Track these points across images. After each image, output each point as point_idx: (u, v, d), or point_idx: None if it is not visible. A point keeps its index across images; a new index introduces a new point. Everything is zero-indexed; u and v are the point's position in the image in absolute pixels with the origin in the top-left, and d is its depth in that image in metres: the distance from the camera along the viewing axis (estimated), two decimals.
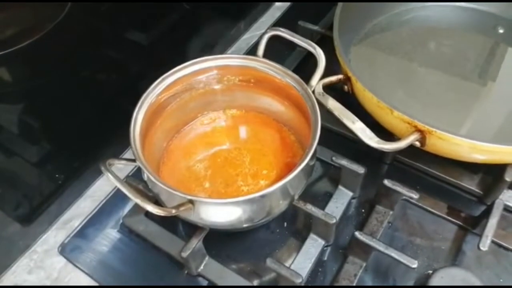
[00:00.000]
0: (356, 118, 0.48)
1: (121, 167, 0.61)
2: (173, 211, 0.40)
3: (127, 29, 0.59)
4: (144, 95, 0.48)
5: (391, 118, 0.48)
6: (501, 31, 0.68)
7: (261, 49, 0.53)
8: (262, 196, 0.40)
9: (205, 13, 0.70)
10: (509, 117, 0.58)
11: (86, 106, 0.58)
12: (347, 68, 0.51)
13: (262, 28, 0.77)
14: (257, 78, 0.53)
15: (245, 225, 0.44)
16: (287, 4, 0.82)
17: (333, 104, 0.49)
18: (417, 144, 0.48)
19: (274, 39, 0.55)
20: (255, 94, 0.55)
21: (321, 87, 0.49)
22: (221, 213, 0.43)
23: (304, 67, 0.68)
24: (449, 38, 0.67)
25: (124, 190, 0.41)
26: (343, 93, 0.54)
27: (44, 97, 0.52)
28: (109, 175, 0.41)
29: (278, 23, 0.77)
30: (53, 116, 0.55)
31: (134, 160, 0.44)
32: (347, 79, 0.52)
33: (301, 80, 0.49)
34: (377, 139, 0.45)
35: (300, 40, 0.51)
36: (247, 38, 0.76)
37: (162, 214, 0.40)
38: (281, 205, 0.45)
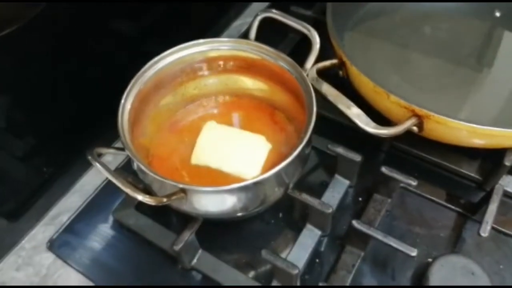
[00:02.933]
0: (352, 103, 0.46)
1: (110, 160, 0.60)
2: (164, 199, 0.38)
3: (114, 18, 0.57)
4: (132, 82, 0.46)
5: (387, 103, 0.47)
6: (498, 14, 0.66)
7: (253, 32, 0.51)
8: (256, 183, 0.39)
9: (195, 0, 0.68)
10: (508, 100, 0.57)
11: (73, 98, 0.56)
12: (342, 52, 0.50)
13: (253, 15, 0.74)
14: (250, 63, 0.51)
15: (239, 214, 0.43)
16: None
17: (327, 90, 0.48)
18: (415, 129, 0.47)
19: (266, 26, 0.53)
20: (248, 79, 0.53)
21: (315, 72, 0.48)
22: (214, 201, 0.41)
23: (297, 54, 0.66)
24: (444, 22, 0.66)
25: (113, 179, 0.39)
26: (338, 79, 0.53)
27: (29, 89, 0.50)
28: (97, 164, 0.40)
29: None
30: (39, 109, 0.53)
31: (123, 149, 0.42)
32: (342, 64, 0.51)
33: (294, 63, 0.48)
34: (373, 124, 0.44)
35: (293, 22, 0.50)
36: (238, 25, 0.75)
37: (153, 203, 0.38)
38: (275, 193, 0.44)
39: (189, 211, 0.43)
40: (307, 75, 0.48)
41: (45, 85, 0.52)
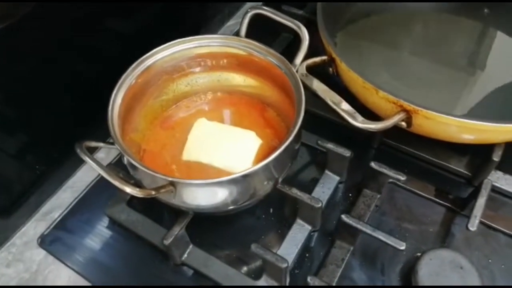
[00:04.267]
0: (341, 99, 0.47)
1: (103, 156, 0.60)
2: (153, 192, 0.38)
3: (107, 16, 0.58)
4: (123, 77, 0.46)
5: (376, 99, 0.47)
6: (486, 12, 0.67)
7: (243, 29, 0.51)
8: (245, 176, 0.39)
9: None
10: (497, 98, 0.57)
11: (65, 94, 0.56)
12: (331, 49, 0.50)
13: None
14: (239, 59, 0.51)
15: (230, 208, 0.43)
16: None
17: (317, 85, 0.48)
18: (403, 124, 0.47)
19: (259, 25, 0.53)
20: (238, 75, 0.53)
21: (304, 68, 0.48)
22: (203, 195, 0.41)
23: (290, 53, 0.67)
24: (434, 21, 0.67)
25: (102, 172, 0.39)
26: (328, 77, 0.53)
27: (21, 85, 0.50)
28: (86, 157, 0.40)
29: None
30: (31, 105, 0.53)
31: (113, 143, 0.43)
32: (332, 60, 0.51)
33: (284, 59, 0.48)
34: (361, 118, 0.44)
35: (283, 19, 0.50)
36: (232, 25, 0.75)
37: (141, 195, 0.38)
38: (264, 187, 0.44)
39: (179, 205, 0.44)
40: (297, 71, 0.48)
41: (37, 81, 0.52)
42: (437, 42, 0.64)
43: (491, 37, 0.66)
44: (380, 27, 0.66)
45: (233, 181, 0.39)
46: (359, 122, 0.44)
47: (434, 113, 0.44)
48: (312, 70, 0.51)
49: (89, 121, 0.57)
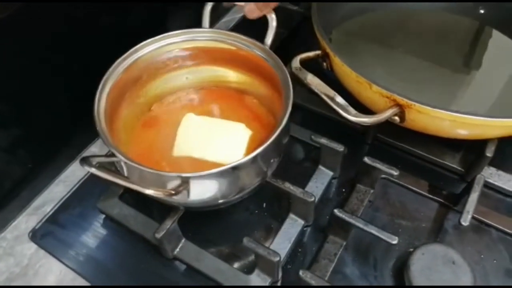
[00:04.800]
0: (335, 93, 0.47)
1: (96, 151, 0.60)
2: (173, 192, 0.38)
3: (99, 13, 0.57)
4: (108, 71, 0.46)
5: (370, 93, 0.47)
6: (482, 11, 0.67)
7: (206, 21, 0.52)
8: (234, 168, 0.39)
9: None
10: (490, 93, 0.57)
11: (58, 90, 0.56)
12: (325, 43, 0.50)
13: (242, 11, 0.75)
14: (227, 53, 0.51)
15: (220, 201, 0.43)
16: None
17: (311, 79, 0.48)
18: (397, 119, 0.47)
19: (251, 21, 0.53)
20: (225, 69, 0.53)
21: (298, 62, 0.48)
22: (192, 188, 0.41)
23: (285, 49, 0.67)
24: (429, 19, 0.67)
25: (120, 182, 0.40)
26: (322, 72, 0.53)
27: (14, 81, 0.50)
28: (99, 172, 0.40)
29: None
30: (23, 101, 0.52)
31: (113, 155, 0.42)
32: (326, 55, 0.51)
33: (271, 52, 0.48)
34: (354, 112, 0.44)
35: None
36: (227, 21, 0.75)
37: (162, 196, 0.38)
38: (254, 181, 0.44)
39: (169, 200, 0.43)
40: (291, 65, 0.48)
41: (30, 77, 0.51)
42: (432, 40, 0.64)
43: (487, 36, 0.66)
44: (376, 24, 0.66)
45: (222, 174, 0.39)
46: (352, 115, 0.44)
47: (427, 107, 0.44)
48: (306, 66, 0.51)
49: (82, 116, 0.57)
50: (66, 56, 0.54)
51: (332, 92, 0.46)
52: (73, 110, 0.57)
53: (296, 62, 0.48)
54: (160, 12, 0.64)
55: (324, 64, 0.53)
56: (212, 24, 0.74)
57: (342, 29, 0.64)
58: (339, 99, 0.46)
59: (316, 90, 0.47)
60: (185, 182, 0.40)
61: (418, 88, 0.58)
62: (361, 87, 0.48)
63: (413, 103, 0.44)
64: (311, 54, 0.51)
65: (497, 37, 0.65)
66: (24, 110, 0.53)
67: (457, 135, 0.48)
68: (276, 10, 0.66)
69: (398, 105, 0.45)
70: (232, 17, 0.76)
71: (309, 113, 0.59)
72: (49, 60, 0.52)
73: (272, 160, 0.44)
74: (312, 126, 0.57)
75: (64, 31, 0.52)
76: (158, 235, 0.45)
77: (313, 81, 0.47)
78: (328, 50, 0.50)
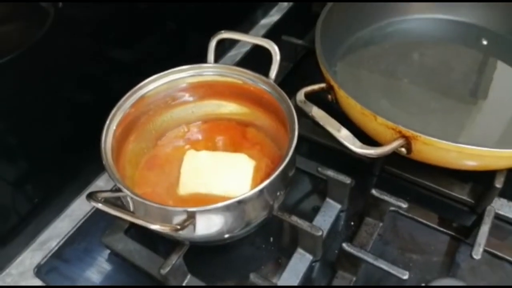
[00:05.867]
0: (340, 125, 0.47)
1: (102, 185, 0.60)
2: (178, 227, 0.38)
3: (110, 45, 0.59)
4: (116, 107, 0.47)
5: (375, 125, 0.47)
6: (484, 42, 0.68)
7: (210, 55, 0.52)
8: (239, 202, 0.39)
9: (190, 31, 0.70)
10: (496, 124, 0.57)
11: (65, 124, 0.56)
12: (330, 76, 0.51)
13: (247, 46, 0.77)
14: (232, 87, 0.52)
15: (226, 236, 0.42)
16: (272, 21, 0.82)
17: (316, 112, 0.48)
18: (403, 151, 0.47)
19: (256, 56, 0.54)
20: (231, 103, 0.54)
21: (302, 95, 0.49)
22: (198, 223, 0.40)
23: (289, 82, 0.68)
24: (432, 50, 0.67)
25: (125, 216, 0.40)
26: (327, 104, 0.53)
27: (22, 115, 0.51)
28: (106, 208, 0.40)
29: None
30: (31, 134, 0.53)
31: (119, 190, 0.42)
32: (330, 88, 0.51)
33: (275, 85, 0.49)
34: (359, 144, 0.44)
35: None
36: (232, 56, 0.76)
37: (168, 231, 0.38)
38: (260, 215, 0.43)
39: (176, 236, 0.43)
40: (296, 99, 0.48)
41: (38, 110, 0.52)
42: (437, 71, 0.64)
43: (492, 67, 0.66)
44: (380, 56, 0.67)
45: (228, 207, 0.39)
46: (357, 147, 0.44)
47: (432, 138, 0.44)
48: (311, 98, 0.52)
49: (88, 150, 0.57)
50: (74, 90, 0.55)
51: (337, 125, 0.46)
52: (80, 145, 0.58)
53: (300, 95, 0.48)
54: (166, 48, 0.66)
55: (329, 96, 0.53)
56: (218, 58, 0.76)
57: (347, 61, 0.65)
58: (344, 131, 0.46)
59: (321, 123, 0.47)
60: (191, 216, 0.40)
61: (424, 119, 0.58)
62: (366, 119, 0.48)
63: (419, 134, 0.44)
64: (315, 87, 0.51)
65: (502, 68, 0.65)
66: (31, 144, 0.53)
67: (465, 166, 0.48)
68: (281, 44, 0.68)
69: (403, 136, 0.45)
70: (238, 51, 0.77)
71: (316, 145, 0.59)
72: (56, 94, 0.53)
73: (278, 193, 0.44)
74: (318, 158, 0.57)
75: (72, 65, 0.53)
76: (164, 271, 0.44)
77: (318, 114, 0.48)
78: (333, 82, 0.50)
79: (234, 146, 0.55)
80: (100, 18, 0.54)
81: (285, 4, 0.87)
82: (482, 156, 0.44)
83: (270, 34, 0.79)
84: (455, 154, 0.45)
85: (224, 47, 0.76)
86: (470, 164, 0.47)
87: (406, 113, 0.58)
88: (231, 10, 0.78)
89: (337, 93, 0.51)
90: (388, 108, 0.59)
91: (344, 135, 0.46)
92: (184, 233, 0.42)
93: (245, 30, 0.80)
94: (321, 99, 0.54)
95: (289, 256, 0.49)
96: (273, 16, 0.84)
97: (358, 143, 0.44)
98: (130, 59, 0.61)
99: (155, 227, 0.38)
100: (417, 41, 0.68)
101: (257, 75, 0.50)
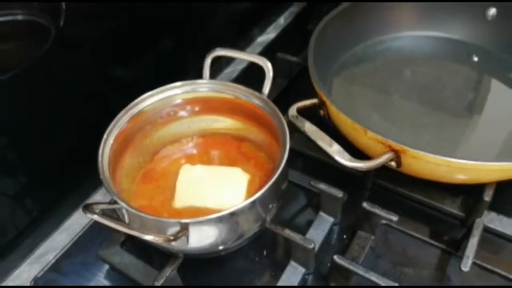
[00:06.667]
0: (330, 140, 0.48)
1: (99, 199, 0.60)
2: (171, 237, 0.39)
3: (108, 64, 0.60)
4: (111, 124, 0.49)
5: (365, 139, 0.48)
6: (475, 58, 0.69)
7: (206, 72, 0.54)
8: (232, 214, 0.40)
9: (187, 49, 0.72)
10: (489, 139, 0.58)
11: (64, 138, 0.58)
12: (321, 92, 0.52)
13: (244, 63, 0.78)
14: (226, 103, 0.53)
15: (220, 248, 0.43)
16: (269, 39, 0.84)
17: (308, 127, 0.49)
18: (393, 164, 0.48)
19: (252, 72, 0.55)
20: (225, 118, 0.55)
21: (295, 110, 0.50)
22: (191, 234, 0.41)
23: (284, 98, 0.69)
24: (424, 66, 0.69)
25: (120, 228, 0.41)
26: (320, 120, 0.54)
27: (21, 130, 0.52)
28: (102, 219, 0.41)
29: None
30: (31, 148, 0.54)
31: (115, 203, 0.43)
32: (322, 103, 0.53)
33: (268, 100, 0.50)
34: (349, 157, 0.45)
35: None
36: (229, 72, 0.78)
37: (161, 242, 0.39)
38: (253, 227, 0.44)
39: (168, 247, 0.44)
40: (288, 114, 0.50)
41: (37, 126, 0.54)
42: (430, 86, 0.66)
43: (483, 82, 0.67)
44: (372, 73, 0.68)
45: (220, 219, 0.40)
46: (347, 160, 0.45)
47: (421, 152, 0.45)
48: (304, 113, 0.53)
49: (87, 164, 0.58)
50: (72, 106, 0.56)
51: (328, 139, 0.48)
52: (78, 159, 0.59)
53: (293, 111, 0.50)
54: (164, 65, 0.67)
55: (321, 111, 0.54)
56: (215, 75, 0.78)
57: (340, 77, 0.67)
58: (336, 145, 0.47)
59: (312, 138, 0.48)
60: (184, 228, 0.41)
61: (416, 133, 0.59)
62: (357, 134, 0.49)
63: (407, 148, 0.45)
64: (307, 102, 0.53)
65: (493, 83, 0.67)
66: (30, 159, 0.54)
67: (454, 180, 0.49)
68: (276, 61, 0.69)
69: (393, 150, 0.46)
70: (234, 68, 0.79)
71: (309, 159, 0.60)
72: (55, 109, 0.55)
73: (270, 206, 0.45)
74: (312, 172, 0.58)
75: (71, 82, 0.55)
76: (158, 283, 0.45)
77: (310, 129, 0.49)
78: (324, 98, 0.52)
79: (229, 160, 0.56)
80: (99, 37, 0.56)
81: (282, 21, 0.89)
82: (470, 170, 0.45)
83: (267, 51, 0.81)
84: (444, 167, 0.46)
85: (221, 64, 0.78)
86: (459, 177, 0.48)
87: (397, 127, 0.59)
88: (229, 27, 0.80)
89: (329, 109, 0.52)
90: (379, 123, 0.60)
91: (335, 150, 0.47)
92: (178, 245, 0.42)
93: (243, 47, 0.82)
94: (314, 115, 0.55)
95: (282, 269, 0.50)
96: (270, 34, 0.86)
97: (348, 156, 0.45)
98: (128, 76, 0.62)
99: (149, 237, 0.39)
100: (409, 57, 0.70)
101: (250, 90, 0.51)
